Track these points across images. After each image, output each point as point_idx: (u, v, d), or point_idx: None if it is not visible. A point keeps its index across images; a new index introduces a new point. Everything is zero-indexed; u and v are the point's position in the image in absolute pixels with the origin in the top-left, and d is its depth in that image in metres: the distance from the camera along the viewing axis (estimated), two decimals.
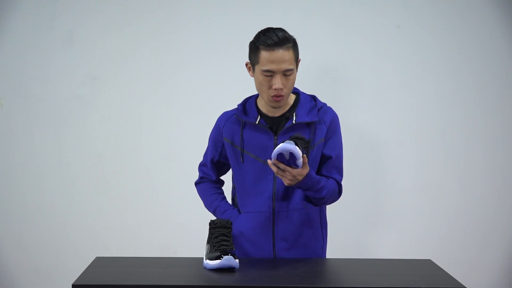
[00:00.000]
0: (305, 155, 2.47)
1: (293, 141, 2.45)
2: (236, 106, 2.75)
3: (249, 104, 2.73)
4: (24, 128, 3.74)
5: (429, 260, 2.62)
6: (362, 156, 3.67)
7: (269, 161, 2.49)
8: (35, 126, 3.74)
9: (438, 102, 3.71)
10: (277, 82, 2.55)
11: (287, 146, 2.40)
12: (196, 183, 2.89)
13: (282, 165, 2.46)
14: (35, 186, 3.75)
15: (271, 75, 2.56)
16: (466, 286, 2.29)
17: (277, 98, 2.58)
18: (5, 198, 3.77)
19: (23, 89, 3.73)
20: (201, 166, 2.86)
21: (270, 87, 2.57)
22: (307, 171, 2.52)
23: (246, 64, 2.66)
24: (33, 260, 3.77)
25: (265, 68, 2.55)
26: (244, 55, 3.65)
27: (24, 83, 3.72)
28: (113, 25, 3.71)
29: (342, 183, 2.72)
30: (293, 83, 2.61)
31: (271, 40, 2.53)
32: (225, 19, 3.70)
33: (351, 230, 3.72)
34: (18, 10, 3.69)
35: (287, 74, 2.56)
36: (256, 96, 2.73)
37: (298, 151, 2.42)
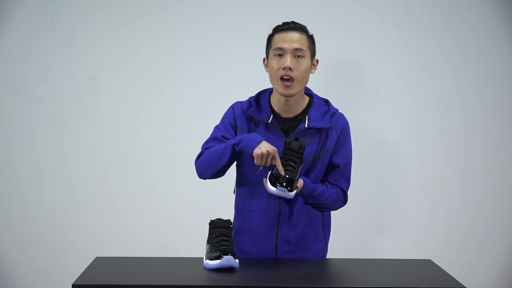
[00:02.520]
0: (299, 182, 2.56)
1: (288, 165, 2.52)
2: (248, 99, 2.72)
3: (263, 100, 2.69)
4: (24, 128, 3.74)
5: (429, 260, 2.63)
6: (362, 156, 3.66)
7: (264, 181, 2.58)
8: (35, 126, 3.74)
9: (438, 102, 3.71)
10: (287, 61, 2.56)
11: (279, 194, 2.52)
12: (197, 157, 2.69)
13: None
14: (35, 186, 3.75)
15: (282, 55, 2.58)
16: (466, 286, 2.29)
17: (287, 82, 2.57)
18: (5, 198, 3.77)
19: (23, 89, 3.72)
20: (212, 141, 2.68)
21: (280, 67, 2.58)
22: (302, 185, 2.58)
23: (263, 60, 2.68)
24: (33, 260, 3.77)
25: (276, 46, 2.59)
26: (244, 55, 3.67)
27: (24, 83, 3.72)
28: (113, 25, 3.71)
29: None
30: (305, 71, 2.60)
31: (286, 25, 2.61)
32: (225, 19, 3.70)
33: (351, 230, 3.71)
34: (18, 10, 3.69)
35: (298, 55, 2.58)
36: (270, 91, 2.71)
37: (290, 195, 2.52)
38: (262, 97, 2.71)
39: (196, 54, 3.71)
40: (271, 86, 2.68)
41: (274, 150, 2.50)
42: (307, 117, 2.64)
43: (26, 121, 3.74)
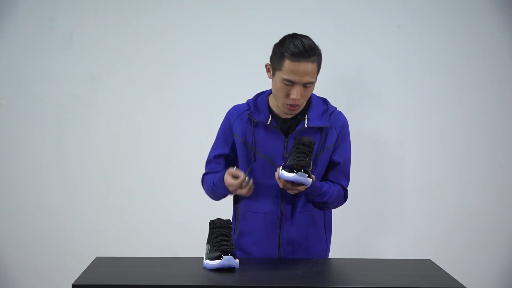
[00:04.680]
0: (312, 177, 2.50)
1: (302, 156, 2.46)
2: (246, 101, 2.71)
3: (260, 102, 2.68)
4: (24, 128, 3.74)
5: (429, 260, 2.62)
6: (362, 156, 3.66)
7: (276, 175, 2.50)
8: (35, 126, 3.74)
9: (438, 102, 3.71)
10: (296, 93, 2.52)
11: (299, 179, 2.44)
12: (202, 180, 2.77)
13: (289, 185, 2.49)
14: (35, 186, 3.75)
15: (291, 85, 2.53)
16: (466, 286, 2.29)
17: (293, 107, 2.56)
18: (5, 198, 3.77)
19: (23, 89, 3.73)
20: (208, 163, 2.74)
21: (287, 95, 2.54)
22: (314, 178, 2.53)
23: (266, 65, 2.60)
24: (33, 260, 3.77)
25: (286, 77, 2.51)
26: (244, 55, 3.67)
27: (24, 83, 3.72)
28: (113, 25, 3.71)
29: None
30: (311, 93, 2.59)
31: (297, 49, 2.48)
32: (225, 19, 3.69)
33: (351, 230, 3.71)
34: (18, 10, 3.69)
35: (307, 86, 2.53)
36: (267, 93, 2.69)
37: (309, 181, 2.45)
38: (260, 99, 2.69)
39: (196, 54, 3.71)
40: (271, 87, 2.67)
41: (233, 182, 2.56)
42: (306, 117, 2.63)
43: (26, 121, 3.74)
